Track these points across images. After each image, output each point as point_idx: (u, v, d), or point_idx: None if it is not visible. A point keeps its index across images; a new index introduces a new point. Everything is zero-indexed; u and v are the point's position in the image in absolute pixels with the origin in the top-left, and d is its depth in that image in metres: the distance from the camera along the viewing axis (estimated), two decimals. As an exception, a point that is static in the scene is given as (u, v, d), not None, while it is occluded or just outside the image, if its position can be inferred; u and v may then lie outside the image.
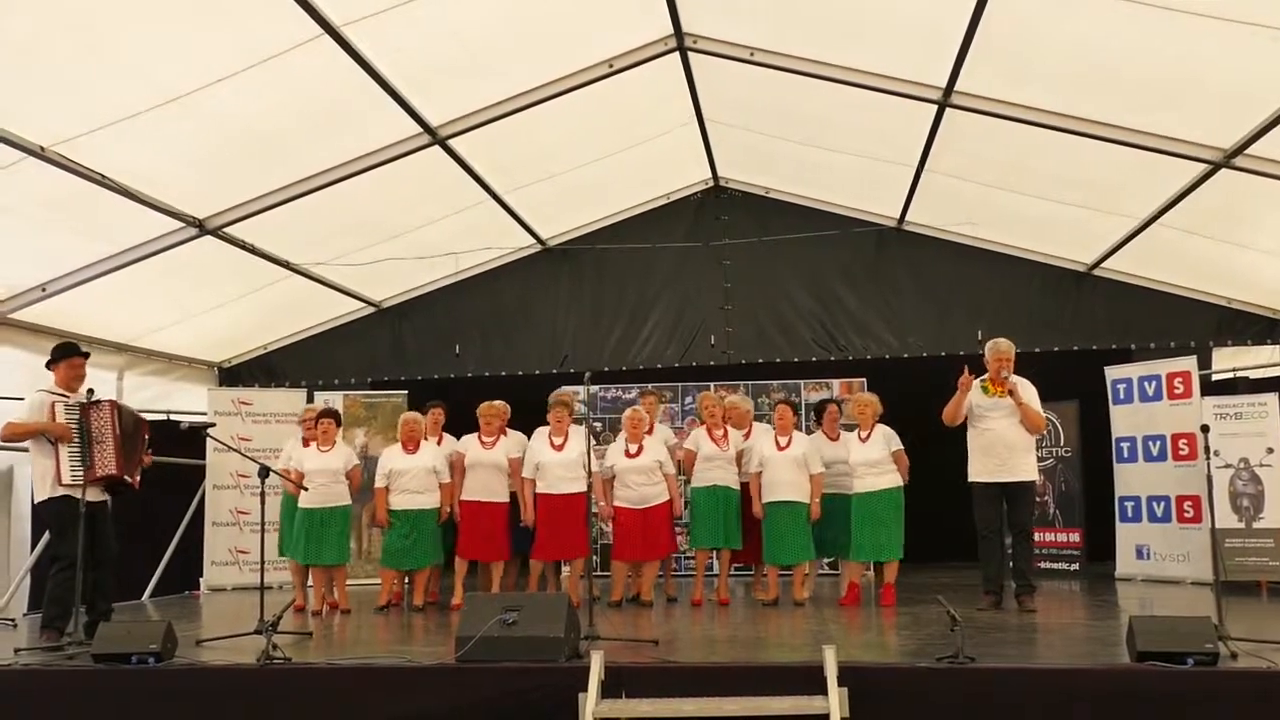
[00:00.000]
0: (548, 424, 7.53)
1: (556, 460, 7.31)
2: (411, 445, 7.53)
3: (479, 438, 7.62)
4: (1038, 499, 9.00)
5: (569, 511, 7.22)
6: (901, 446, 7.33)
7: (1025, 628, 6.03)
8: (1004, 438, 6.82)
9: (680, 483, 8.04)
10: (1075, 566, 9.41)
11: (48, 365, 6.16)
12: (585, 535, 7.20)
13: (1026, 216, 8.67)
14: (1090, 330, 9.47)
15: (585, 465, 7.07)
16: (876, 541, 7.20)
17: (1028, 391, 6.89)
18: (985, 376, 6.97)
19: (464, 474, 7.54)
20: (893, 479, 7.24)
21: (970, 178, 8.31)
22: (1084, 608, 7.32)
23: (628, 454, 7.46)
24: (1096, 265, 9.27)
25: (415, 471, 7.40)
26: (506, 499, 7.52)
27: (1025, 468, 6.88)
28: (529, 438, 7.62)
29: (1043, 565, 9.29)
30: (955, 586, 7.91)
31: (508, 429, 7.79)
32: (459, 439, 7.87)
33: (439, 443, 7.88)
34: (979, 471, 6.90)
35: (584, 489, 7.15)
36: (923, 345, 9.71)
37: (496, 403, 7.73)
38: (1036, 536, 8.86)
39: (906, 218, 9.56)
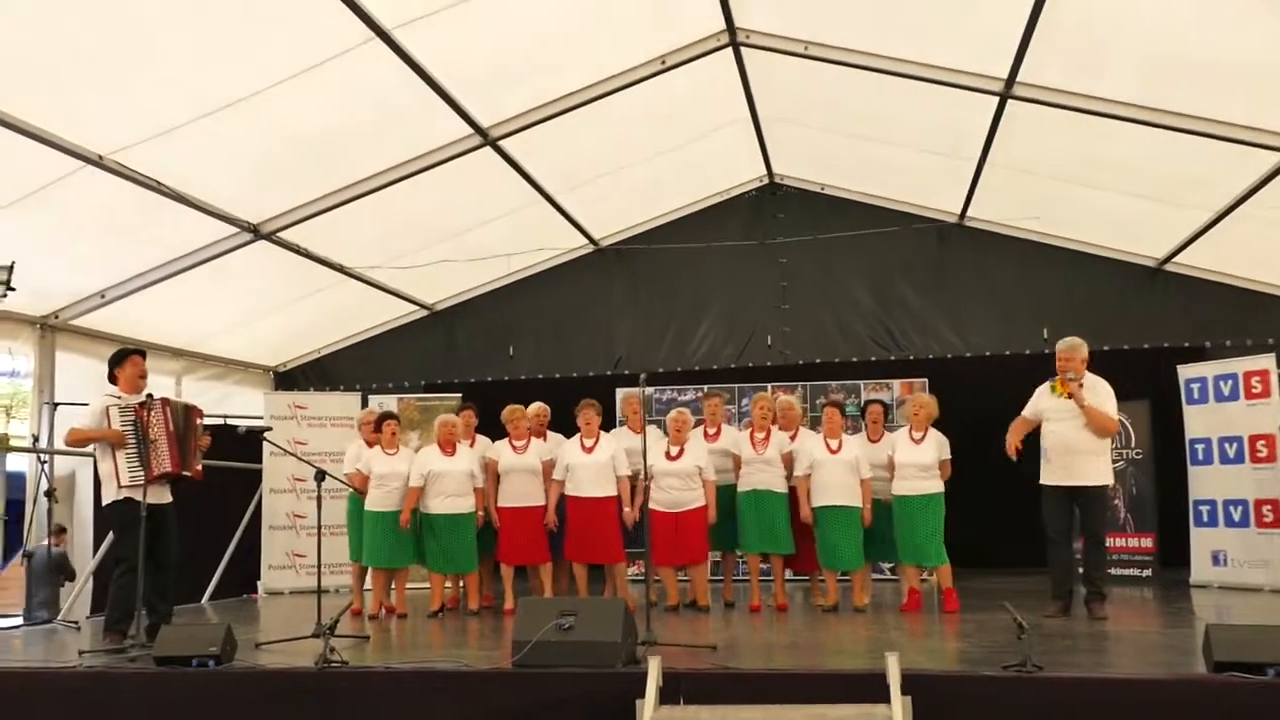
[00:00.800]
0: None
1: (585, 463, 7.26)
2: (449, 448, 7.51)
3: (509, 443, 7.60)
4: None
5: (597, 515, 7.17)
6: (950, 457, 7.15)
7: (1095, 635, 5.84)
8: (1066, 440, 6.59)
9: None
10: (1148, 573, 9.12)
11: (110, 377, 6.21)
12: (617, 539, 7.19)
13: (1094, 210, 8.41)
14: (1162, 328, 9.15)
15: (614, 468, 7.25)
16: (924, 546, 7.02)
17: (1099, 392, 6.63)
18: (1055, 377, 6.76)
19: (497, 479, 7.54)
20: (938, 485, 7.08)
21: (1034, 171, 8.09)
22: (1157, 615, 7.09)
23: (668, 456, 7.29)
24: (1168, 260, 8.96)
25: (453, 475, 7.39)
26: (543, 502, 7.47)
27: (1093, 472, 6.62)
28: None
29: (1114, 571, 8.99)
30: (1022, 592, 7.67)
31: (550, 432, 7.78)
32: (494, 441, 7.86)
33: (471, 444, 7.87)
34: (1047, 474, 6.70)
35: (613, 493, 7.16)
36: (986, 345, 9.46)
37: (535, 405, 7.75)
38: (1107, 542, 8.57)
39: (968, 213, 9.33)
